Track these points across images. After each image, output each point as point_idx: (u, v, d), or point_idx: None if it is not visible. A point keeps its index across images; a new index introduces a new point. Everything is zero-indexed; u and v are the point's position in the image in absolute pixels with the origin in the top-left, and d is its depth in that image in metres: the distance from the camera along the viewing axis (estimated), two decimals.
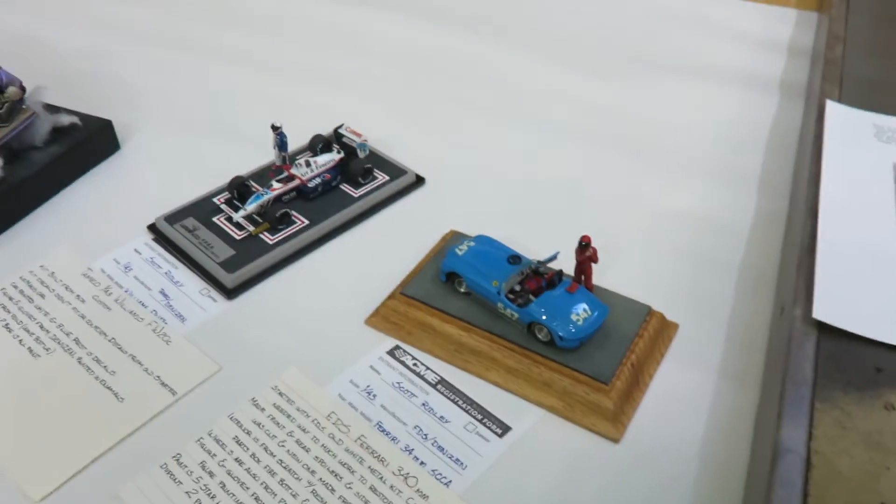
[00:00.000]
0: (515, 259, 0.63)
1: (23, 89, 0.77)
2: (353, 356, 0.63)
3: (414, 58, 1.02)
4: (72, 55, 1.01)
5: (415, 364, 0.62)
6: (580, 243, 0.60)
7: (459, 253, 0.64)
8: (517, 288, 0.62)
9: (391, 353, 0.63)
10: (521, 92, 0.96)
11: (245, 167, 0.80)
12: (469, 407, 0.59)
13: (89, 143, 0.81)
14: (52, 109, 0.80)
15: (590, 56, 1.03)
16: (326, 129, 0.82)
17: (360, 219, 0.76)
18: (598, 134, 0.89)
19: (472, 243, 0.65)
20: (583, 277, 0.62)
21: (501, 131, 0.89)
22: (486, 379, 0.60)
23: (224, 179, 0.78)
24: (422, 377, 0.61)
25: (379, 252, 0.73)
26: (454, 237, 0.70)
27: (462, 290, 0.64)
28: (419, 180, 0.81)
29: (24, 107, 0.76)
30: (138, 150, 0.86)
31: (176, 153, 0.85)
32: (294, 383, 0.60)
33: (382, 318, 0.65)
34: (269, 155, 0.80)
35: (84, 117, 0.82)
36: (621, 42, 1.06)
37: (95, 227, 0.76)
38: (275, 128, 0.76)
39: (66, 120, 0.80)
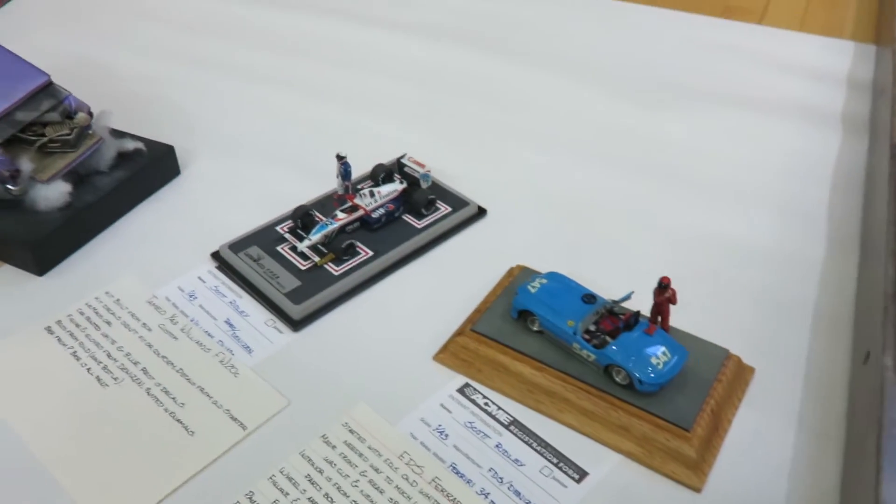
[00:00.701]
0: (590, 298, 0.62)
1: (90, 115, 0.77)
2: (423, 393, 0.62)
3: (467, 87, 1.02)
4: (129, 80, 1.02)
5: (486, 403, 0.61)
6: (659, 284, 0.59)
7: (532, 290, 0.63)
8: (592, 328, 0.61)
9: (461, 391, 0.62)
10: (578, 123, 0.95)
11: (304, 195, 0.80)
12: (544, 450, 0.58)
13: (152, 168, 0.81)
14: (117, 134, 0.80)
15: (645, 87, 1.02)
16: (382, 158, 0.82)
17: (423, 250, 0.76)
18: (657, 167, 0.88)
19: (544, 280, 0.64)
20: (659, 319, 0.61)
21: (560, 163, 0.88)
22: (559, 421, 0.59)
23: (283, 207, 0.79)
24: (494, 417, 0.60)
25: (443, 285, 0.72)
26: (522, 272, 0.69)
27: (534, 328, 0.63)
28: (481, 211, 0.80)
29: (90, 132, 0.77)
30: (198, 176, 0.86)
31: (235, 179, 0.86)
32: (364, 420, 0.60)
33: (451, 355, 0.64)
34: (327, 183, 0.81)
35: (146, 142, 0.82)
36: (676, 73, 1.05)
37: (159, 253, 0.76)
38: (340, 157, 0.76)
39: (130, 145, 0.80)
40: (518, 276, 0.68)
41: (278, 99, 0.99)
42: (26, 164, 0.72)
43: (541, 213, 0.81)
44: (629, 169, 0.87)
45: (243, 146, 0.91)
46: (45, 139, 0.74)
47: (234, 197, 0.83)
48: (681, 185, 0.85)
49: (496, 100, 1.00)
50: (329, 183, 0.81)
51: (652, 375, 0.56)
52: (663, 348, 0.58)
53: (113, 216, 0.78)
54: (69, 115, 0.75)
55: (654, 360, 0.57)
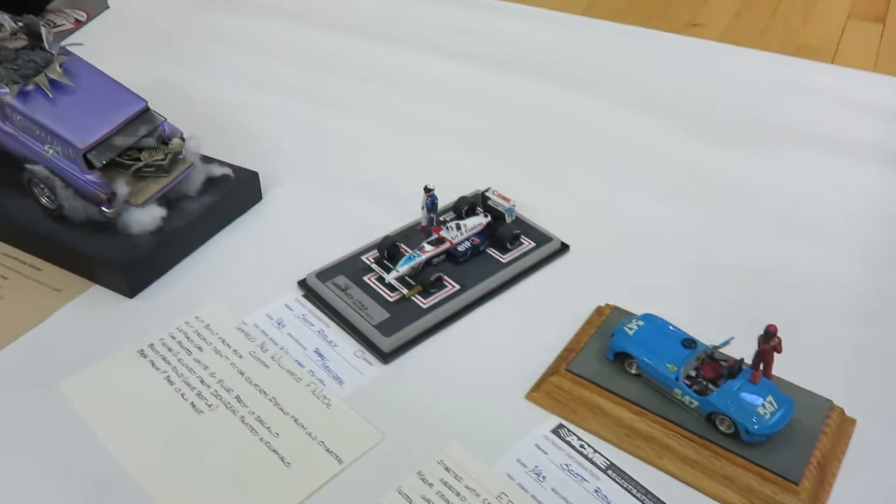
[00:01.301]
0: (690, 343, 0.61)
1: (183, 140, 0.78)
2: (517, 432, 0.62)
3: (545, 121, 1.02)
4: (207, 104, 1.03)
5: (582, 446, 0.60)
6: (766, 332, 0.58)
7: (629, 332, 0.62)
8: (693, 373, 0.60)
9: (555, 431, 0.61)
10: (656, 158, 0.94)
11: (384, 224, 0.80)
12: (644, 497, 0.57)
13: (237, 194, 0.82)
14: (206, 160, 0.81)
15: (722, 124, 1.01)
16: (459, 189, 0.82)
17: (507, 285, 0.75)
18: (739, 206, 0.87)
19: (641, 322, 0.63)
20: (761, 367, 0.60)
21: (641, 199, 0.88)
22: (658, 467, 0.58)
23: (364, 235, 0.79)
24: (590, 460, 0.59)
25: (528, 321, 0.72)
26: (614, 312, 0.68)
27: (632, 371, 0.62)
28: (563, 247, 0.80)
29: (181, 157, 0.78)
30: (279, 202, 0.86)
31: (315, 206, 0.86)
32: (460, 459, 0.59)
33: (545, 394, 0.63)
34: (408, 212, 0.81)
35: (232, 168, 0.83)
36: (752, 110, 1.04)
37: (244, 279, 0.76)
38: (427, 189, 0.76)
39: (218, 171, 0.81)
40: (610, 317, 0.68)
41: (357, 127, 1.00)
42: (122, 188, 0.73)
43: (623, 250, 0.80)
44: (711, 207, 0.86)
45: (322, 173, 0.91)
46: (140, 164, 0.75)
47: (315, 224, 0.84)
48: (766, 225, 0.84)
49: (574, 134, 0.99)
50: (409, 212, 0.81)
51: (760, 426, 0.55)
52: (770, 397, 0.57)
53: (199, 241, 0.79)
54: (164, 141, 0.76)
55: (760, 410, 0.56)
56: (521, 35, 1.23)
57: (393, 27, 1.25)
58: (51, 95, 0.72)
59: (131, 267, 0.72)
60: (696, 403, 0.58)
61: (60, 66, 0.73)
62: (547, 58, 1.17)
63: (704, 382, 0.59)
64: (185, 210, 0.78)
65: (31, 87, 0.72)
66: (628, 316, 0.66)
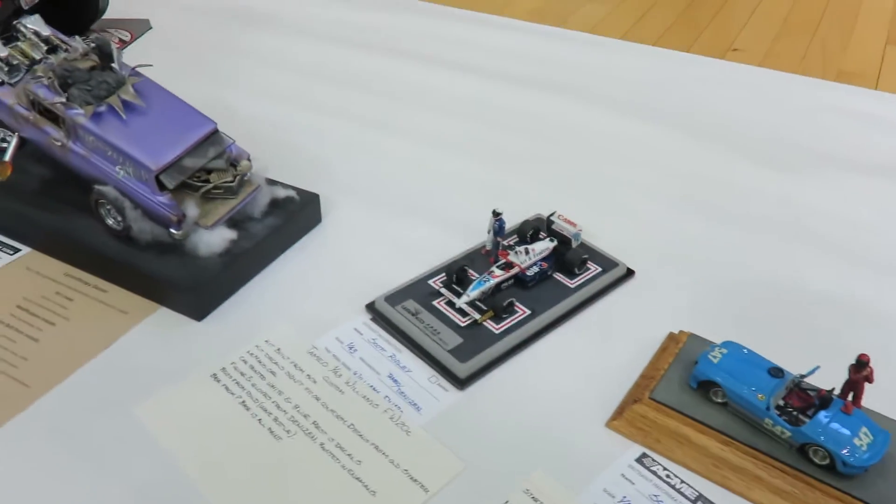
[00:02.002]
0: (777, 371, 0.60)
1: (250, 162, 0.78)
2: (601, 461, 0.61)
3: (599, 145, 1.02)
4: (257, 124, 1.03)
5: (668, 475, 0.59)
6: (858, 361, 0.57)
7: (714, 360, 0.62)
8: (781, 403, 0.59)
9: (640, 461, 0.61)
10: (708, 183, 0.94)
11: (445, 247, 0.80)
12: None
13: (299, 216, 0.82)
14: (270, 182, 0.81)
15: (772, 150, 1.01)
16: (518, 213, 0.82)
17: (577, 310, 0.75)
18: (797, 231, 0.86)
19: (724, 350, 0.63)
20: (851, 396, 0.59)
21: (698, 224, 0.87)
22: (748, 498, 0.57)
23: (423, 257, 0.79)
24: (678, 491, 0.58)
25: (600, 346, 0.71)
26: (691, 339, 0.68)
27: (718, 399, 0.61)
28: (628, 272, 0.79)
29: (247, 179, 0.78)
30: (339, 224, 0.86)
31: (375, 229, 0.86)
32: (546, 488, 0.58)
33: (627, 423, 0.62)
34: (468, 235, 0.82)
35: (295, 190, 0.83)
36: (799, 136, 1.04)
37: (310, 301, 0.76)
38: (496, 213, 0.76)
39: (282, 193, 0.81)
40: (688, 344, 0.67)
41: (410, 149, 1.00)
42: (192, 210, 0.73)
43: (685, 274, 0.80)
44: (769, 232, 0.86)
45: (378, 195, 0.91)
46: (209, 185, 0.75)
47: (375, 246, 0.83)
48: (828, 251, 0.83)
49: (624, 158, 0.99)
50: (468, 235, 0.81)
51: (857, 457, 0.54)
52: (864, 428, 0.56)
53: (264, 263, 0.79)
54: (232, 163, 0.76)
55: (856, 441, 0.55)
56: (565, 59, 1.24)
57: (445, 51, 1.25)
58: (124, 117, 0.72)
59: (201, 289, 0.72)
60: (788, 434, 0.57)
61: (132, 86, 0.73)
62: (589, 82, 1.17)
63: (794, 412, 0.58)
64: (250, 232, 0.78)
65: (103, 107, 0.72)
66: (710, 344, 0.65)
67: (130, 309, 0.74)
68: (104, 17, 1.28)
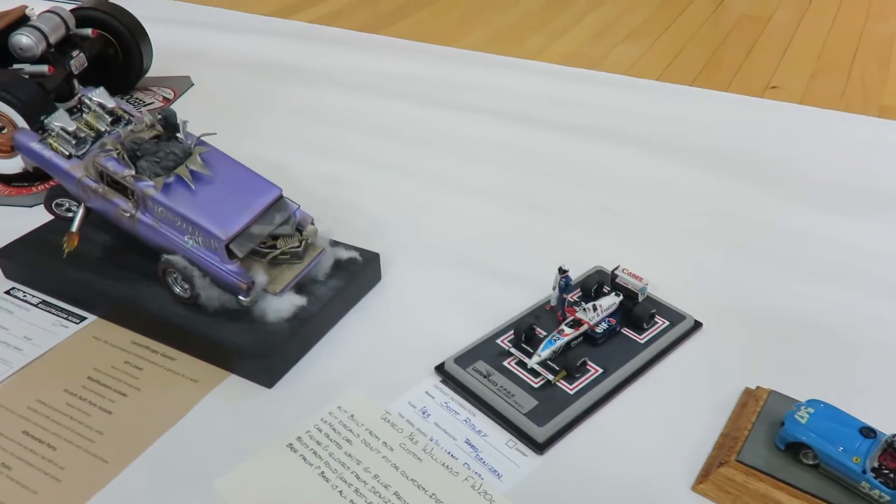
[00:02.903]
0: (869, 432, 0.59)
1: (314, 226, 0.78)
2: None
3: (651, 192, 1.02)
4: (305, 181, 1.03)
5: None
6: None
7: (801, 420, 0.61)
8: (876, 465, 0.58)
9: None
10: (766, 228, 0.94)
11: (505, 303, 0.80)
12: None
13: (361, 276, 0.82)
14: (332, 243, 0.81)
15: (827, 191, 1.00)
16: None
17: (648, 367, 0.74)
18: (867, 278, 0.85)
19: (811, 409, 0.62)
20: None
21: (762, 272, 0.87)
22: None
23: (486, 315, 0.79)
24: None
25: (675, 404, 0.70)
26: (773, 397, 0.67)
27: (808, 461, 0.60)
28: (696, 325, 0.79)
29: (311, 242, 0.78)
30: (398, 282, 0.86)
31: (435, 286, 0.85)
32: None
33: (715, 486, 0.61)
34: (526, 292, 0.82)
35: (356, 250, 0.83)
36: (853, 176, 1.03)
37: (377, 364, 0.75)
38: (562, 270, 0.76)
39: (345, 254, 0.81)
40: (769, 402, 0.66)
41: (462, 204, 1.00)
42: (261, 277, 0.73)
43: (756, 326, 0.79)
44: (835, 282, 0.85)
45: (434, 251, 0.91)
46: (276, 251, 0.75)
47: (436, 305, 0.83)
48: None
49: (680, 206, 0.99)
50: (529, 290, 0.82)
51: None
52: None
53: (328, 325, 0.79)
54: (297, 227, 0.77)
55: None
56: (607, 103, 1.25)
57: (481, 100, 1.27)
58: (193, 188, 0.72)
59: (272, 356, 0.72)
60: (886, 498, 0.56)
61: (199, 156, 0.74)
62: (633, 126, 1.17)
63: (891, 474, 0.57)
64: (315, 295, 0.78)
65: (171, 178, 0.73)
66: (792, 401, 0.64)
67: (200, 377, 0.74)
68: (147, 75, 1.30)
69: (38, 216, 0.95)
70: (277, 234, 0.76)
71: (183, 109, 1.27)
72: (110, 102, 0.79)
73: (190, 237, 0.73)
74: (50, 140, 0.77)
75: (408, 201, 1.01)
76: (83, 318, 0.81)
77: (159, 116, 0.76)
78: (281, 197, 0.76)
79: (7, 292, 0.84)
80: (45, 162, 0.77)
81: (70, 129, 0.76)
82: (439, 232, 0.95)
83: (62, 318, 0.81)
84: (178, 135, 0.76)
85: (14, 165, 1.02)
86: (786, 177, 1.04)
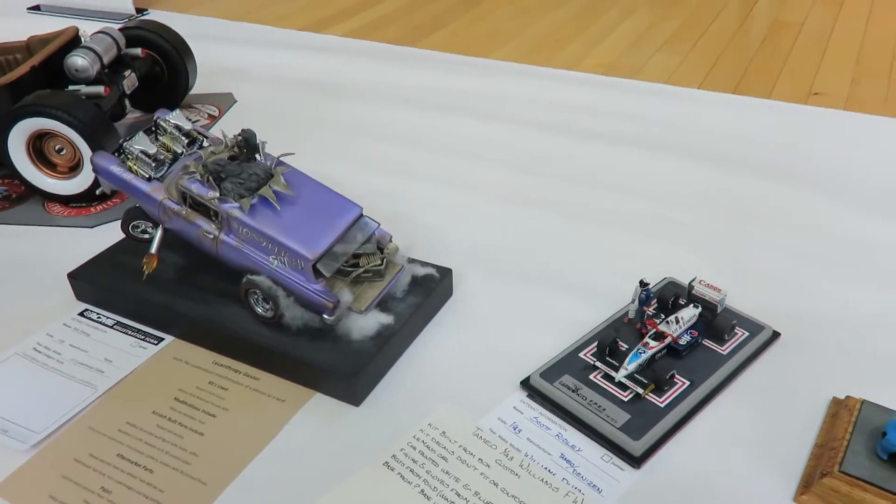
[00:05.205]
0: None
1: (392, 243, 0.79)
2: None
3: (712, 202, 1.02)
4: (363, 197, 1.04)
5: None
6: None
7: None
8: None
9: None
10: (824, 235, 0.94)
11: (579, 316, 0.81)
12: None
13: (436, 291, 0.82)
14: (410, 260, 0.82)
15: (886, 198, 1.01)
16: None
17: (731, 378, 0.74)
18: None
19: None
20: None
21: (830, 279, 0.87)
22: None
23: (561, 328, 0.80)
24: None
25: (763, 415, 0.71)
26: (867, 407, 0.67)
27: None
28: (774, 335, 0.79)
29: (391, 260, 0.79)
30: (470, 297, 0.86)
31: (506, 300, 0.86)
32: None
33: (818, 497, 0.62)
34: (599, 303, 0.83)
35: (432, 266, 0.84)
36: None
37: (459, 380, 0.76)
38: (643, 284, 0.76)
39: (421, 271, 0.81)
40: (864, 411, 0.66)
41: (521, 217, 1.01)
42: (346, 295, 0.74)
43: (832, 334, 0.79)
44: None
45: (501, 265, 0.91)
46: (360, 270, 0.75)
47: (510, 318, 0.83)
48: None
49: (741, 213, 1.00)
50: (599, 302, 0.83)
51: None
52: None
53: (408, 342, 0.79)
54: (378, 245, 0.77)
55: None
56: (658, 114, 1.25)
57: (527, 111, 1.28)
58: (279, 209, 0.73)
59: (360, 374, 0.72)
60: None
61: (282, 177, 0.75)
62: (685, 137, 1.18)
63: None
64: (395, 312, 0.78)
65: (255, 199, 0.73)
66: (891, 411, 0.65)
67: (286, 397, 0.74)
68: (190, 93, 1.31)
69: (100, 237, 0.96)
70: (359, 253, 0.76)
71: (229, 126, 1.29)
72: (187, 124, 0.79)
73: (275, 257, 0.73)
74: (129, 163, 0.77)
75: (467, 214, 1.01)
76: (160, 339, 0.81)
77: (239, 138, 0.76)
78: (362, 215, 0.76)
79: (81, 314, 0.85)
80: (125, 184, 0.78)
81: (151, 151, 0.76)
82: (502, 245, 0.95)
83: (140, 339, 0.81)
84: (256, 155, 0.77)
85: (73, 186, 1.03)
86: (837, 183, 1.05)
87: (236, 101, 1.34)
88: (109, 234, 0.94)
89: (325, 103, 1.33)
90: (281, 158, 0.78)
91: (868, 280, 0.87)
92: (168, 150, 0.78)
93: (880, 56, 1.43)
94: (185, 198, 0.75)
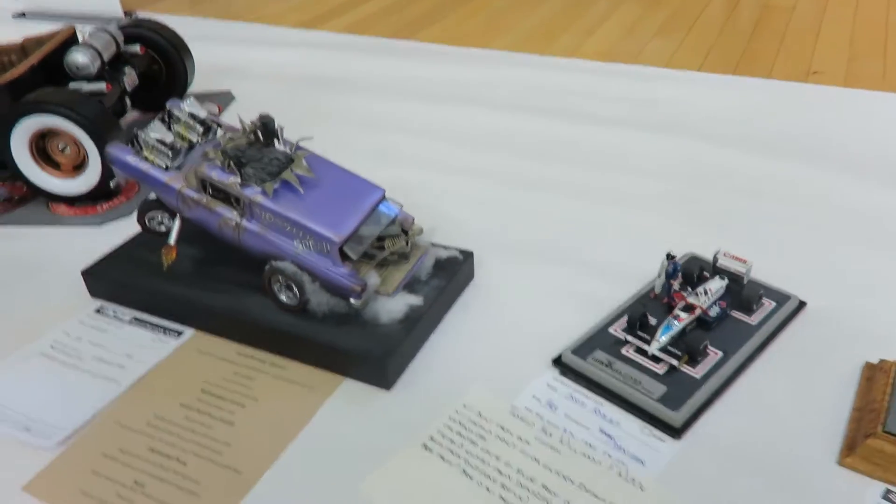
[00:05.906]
0: None
1: (415, 225, 0.78)
2: (844, 499, 0.60)
3: (717, 181, 1.03)
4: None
5: None
6: None
7: None
8: None
9: (886, 497, 0.59)
10: (840, 210, 0.94)
11: (601, 294, 0.81)
12: None
13: (460, 274, 0.82)
14: (432, 243, 0.81)
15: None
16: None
17: (763, 347, 0.74)
18: None
19: None
20: None
21: (848, 249, 0.87)
22: None
23: (586, 306, 0.79)
24: None
25: (798, 382, 0.70)
26: None
27: None
28: (801, 304, 0.79)
29: (415, 242, 0.78)
30: (491, 279, 0.85)
31: (527, 280, 0.85)
32: None
33: (863, 459, 0.61)
34: (621, 281, 0.82)
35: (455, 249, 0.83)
36: None
37: (489, 359, 0.75)
38: (670, 257, 0.76)
39: (444, 254, 0.80)
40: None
41: (535, 200, 1.00)
42: (373, 278, 0.73)
43: (854, 302, 0.79)
44: None
45: (520, 247, 0.91)
46: (385, 252, 0.74)
47: (533, 298, 0.83)
48: None
49: (754, 192, 1.00)
50: (622, 279, 0.83)
51: None
52: None
53: (434, 324, 0.78)
54: (402, 228, 0.76)
55: None
56: (665, 97, 1.26)
57: (528, 98, 1.27)
58: (302, 192, 0.72)
59: (390, 358, 0.71)
60: None
61: (304, 160, 0.74)
62: (692, 119, 1.18)
63: None
64: (421, 294, 0.77)
65: (277, 184, 0.72)
66: None
67: (315, 384, 0.73)
68: (188, 91, 1.29)
69: (109, 234, 0.94)
70: (384, 235, 0.75)
71: (231, 122, 1.27)
72: (202, 113, 0.78)
73: (300, 242, 0.72)
74: (145, 153, 0.76)
75: (481, 199, 1.01)
76: (180, 333, 0.79)
77: (258, 123, 0.75)
78: (384, 197, 0.75)
79: (97, 311, 0.83)
80: (142, 175, 0.76)
81: (168, 140, 0.75)
82: (518, 228, 0.95)
83: (159, 333, 0.79)
84: (276, 141, 0.76)
85: (77, 186, 1.01)
86: (841, 157, 1.05)
87: (235, 99, 1.33)
88: (118, 231, 0.92)
89: (324, 98, 1.32)
90: (300, 143, 0.77)
91: (882, 247, 0.87)
92: (183, 139, 0.77)
93: (874, 35, 1.45)
94: (205, 185, 0.73)
